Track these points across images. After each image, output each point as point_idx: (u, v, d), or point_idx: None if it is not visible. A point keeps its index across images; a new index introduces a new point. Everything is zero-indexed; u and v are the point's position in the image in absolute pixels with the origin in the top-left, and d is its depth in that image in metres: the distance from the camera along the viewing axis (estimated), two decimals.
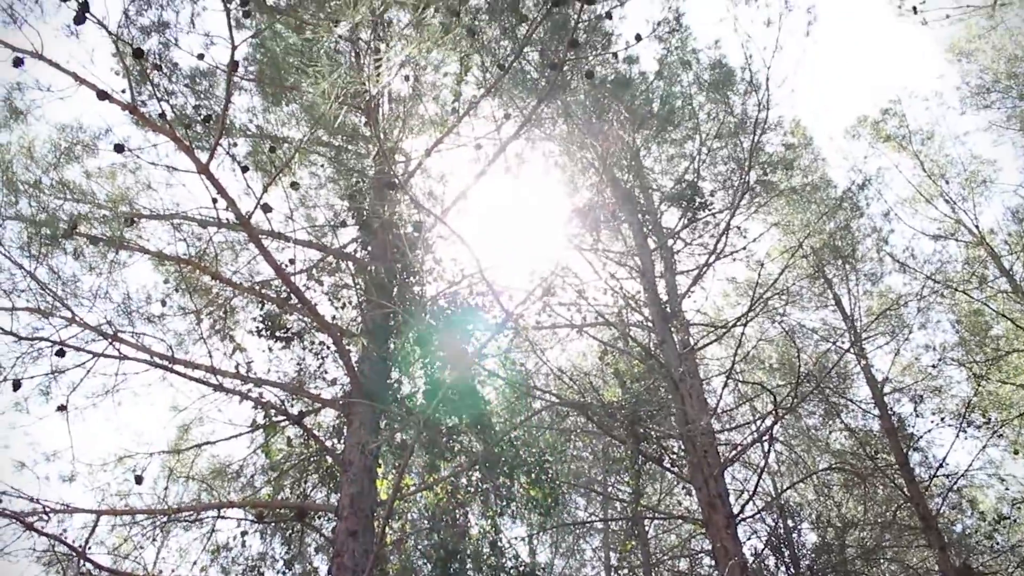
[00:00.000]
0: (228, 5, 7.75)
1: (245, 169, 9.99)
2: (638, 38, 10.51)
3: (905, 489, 14.84)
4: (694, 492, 11.80)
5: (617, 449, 15.62)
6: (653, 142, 15.40)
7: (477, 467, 9.51)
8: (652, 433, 11.75)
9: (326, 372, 10.81)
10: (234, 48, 7.54)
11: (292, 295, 8.77)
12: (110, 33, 7.75)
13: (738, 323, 13.19)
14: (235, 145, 11.93)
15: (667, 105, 13.84)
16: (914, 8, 18.14)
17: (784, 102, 29.11)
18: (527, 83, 11.62)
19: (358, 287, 10.10)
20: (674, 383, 11.78)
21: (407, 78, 10.06)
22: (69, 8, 7.47)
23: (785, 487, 17.12)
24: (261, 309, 10.49)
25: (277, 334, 10.28)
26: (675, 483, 17.34)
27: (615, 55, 11.78)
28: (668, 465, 12.11)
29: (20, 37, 7.54)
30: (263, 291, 10.46)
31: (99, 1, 7.23)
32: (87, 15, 7.25)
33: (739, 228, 14.35)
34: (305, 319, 10.51)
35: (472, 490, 9.99)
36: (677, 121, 14.28)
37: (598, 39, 11.74)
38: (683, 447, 12.07)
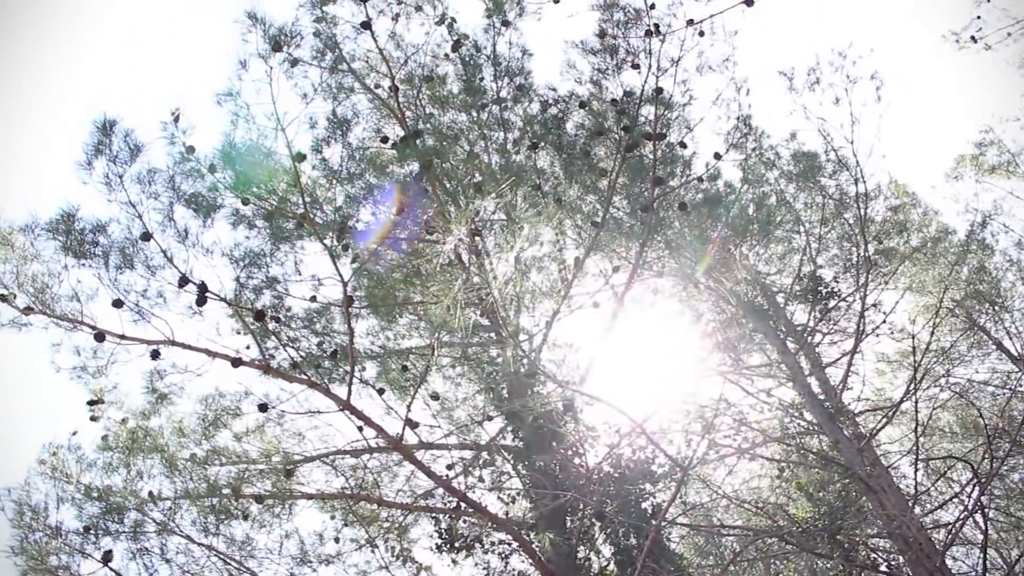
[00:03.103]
0: (325, 243, 8.13)
1: (381, 392, 10.21)
2: (717, 156, 10.59)
3: None
4: None
5: (825, 562, 14.68)
6: (760, 245, 15.19)
7: None
8: (857, 540, 11.02)
9: (514, 570, 10.59)
10: (345, 284, 7.86)
11: (460, 502, 8.72)
12: (229, 303, 8.18)
13: (906, 398, 12.49)
14: (363, 369, 12.22)
15: (763, 207, 13.72)
16: (973, 37, 17.94)
17: (877, 169, 28.73)
18: (622, 230, 11.71)
19: (521, 475, 10.00)
20: (864, 482, 11.11)
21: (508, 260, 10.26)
22: (188, 292, 7.97)
23: (1016, 557, 15.68)
24: (434, 524, 10.44)
25: (456, 544, 10.18)
26: None
27: (700, 179, 11.82)
28: (884, 569, 11.28)
29: (151, 329, 8.05)
30: (430, 504, 10.44)
31: (212, 276, 7.72)
32: (207, 295, 7.72)
33: (875, 305, 13.82)
34: (479, 522, 10.40)
35: None
36: (777, 219, 14.10)
37: (677, 168, 11.83)
38: (894, 545, 11.27)
